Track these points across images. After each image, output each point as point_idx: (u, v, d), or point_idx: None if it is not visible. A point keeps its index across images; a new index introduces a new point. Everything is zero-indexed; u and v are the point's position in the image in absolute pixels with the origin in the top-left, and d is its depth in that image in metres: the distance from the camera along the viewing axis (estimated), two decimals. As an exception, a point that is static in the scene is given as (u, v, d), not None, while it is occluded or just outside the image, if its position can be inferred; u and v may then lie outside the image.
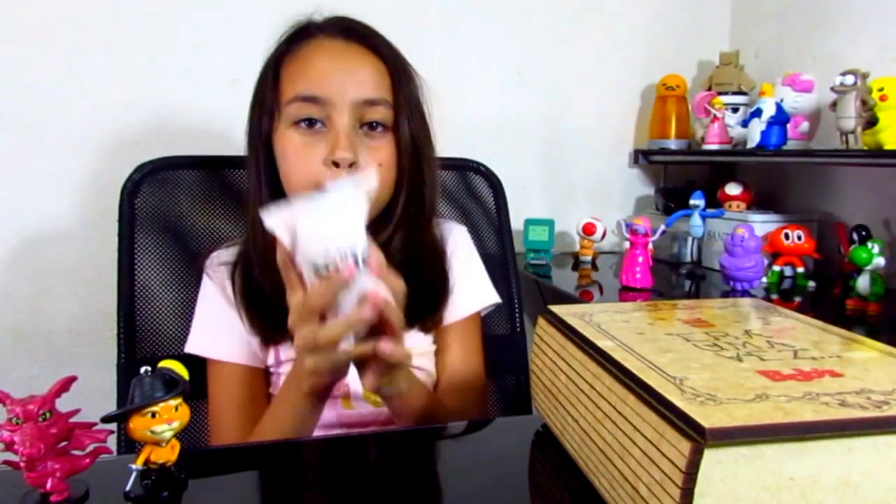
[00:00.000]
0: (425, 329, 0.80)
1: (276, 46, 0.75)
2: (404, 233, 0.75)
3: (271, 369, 0.81)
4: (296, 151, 0.70)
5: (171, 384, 0.46)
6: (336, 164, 0.68)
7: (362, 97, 0.70)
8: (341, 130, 0.68)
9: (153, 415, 0.44)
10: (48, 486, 0.44)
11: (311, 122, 0.70)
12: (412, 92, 0.75)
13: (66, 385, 0.45)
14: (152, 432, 0.45)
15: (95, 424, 0.46)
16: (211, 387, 0.80)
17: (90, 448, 0.46)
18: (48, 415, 0.43)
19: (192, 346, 0.78)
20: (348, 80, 0.70)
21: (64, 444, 0.45)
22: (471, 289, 0.85)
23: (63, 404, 0.45)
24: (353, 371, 0.76)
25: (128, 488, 0.46)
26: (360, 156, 0.69)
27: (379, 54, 0.73)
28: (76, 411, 0.46)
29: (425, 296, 0.76)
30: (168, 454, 0.46)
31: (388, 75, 0.73)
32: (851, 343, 0.49)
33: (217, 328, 0.78)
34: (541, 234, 1.55)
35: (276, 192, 0.73)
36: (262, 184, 0.74)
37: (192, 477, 0.48)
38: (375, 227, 0.73)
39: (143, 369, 0.46)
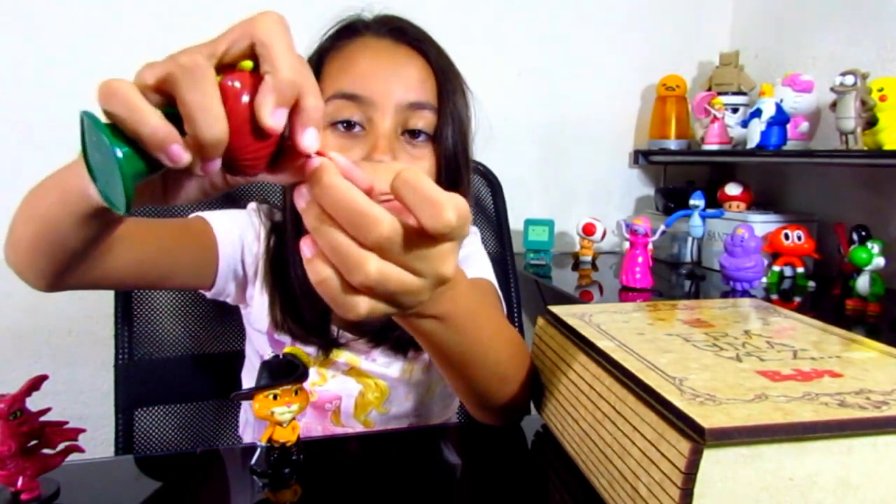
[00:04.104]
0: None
1: (320, 43, 0.71)
2: None
3: (242, 310, 0.78)
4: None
5: (292, 369, 0.48)
6: None
7: (407, 100, 0.65)
8: (382, 133, 0.63)
9: (274, 397, 0.48)
10: (19, 484, 0.44)
11: (349, 125, 0.64)
12: (459, 101, 0.71)
13: (36, 384, 0.45)
14: (272, 413, 0.48)
15: (66, 423, 0.47)
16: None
17: (61, 447, 0.46)
18: (18, 413, 0.44)
19: (204, 214, 0.73)
20: (394, 81, 0.65)
21: (35, 442, 0.45)
22: (468, 262, 0.78)
23: (61, 404, 0.45)
24: (345, 387, 0.75)
25: (253, 462, 0.49)
26: (399, 160, 0.64)
27: (428, 58, 0.69)
28: (47, 410, 0.46)
29: None
30: (289, 435, 0.49)
31: (436, 80, 0.69)
32: (851, 343, 0.49)
33: (234, 223, 0.73)
34: (541, 234, 1.55)
35: None
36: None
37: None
38: None
39: (271, 354, 0.50)
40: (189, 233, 0.70)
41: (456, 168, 0.69)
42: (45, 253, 0.52)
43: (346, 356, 0.75)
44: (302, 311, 0.72)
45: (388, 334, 0.73)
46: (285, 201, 0.73)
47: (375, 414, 0.76)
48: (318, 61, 0.69)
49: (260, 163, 0.34)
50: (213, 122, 0.31)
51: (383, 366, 0.75)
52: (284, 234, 0.73)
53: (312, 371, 0.75)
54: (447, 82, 0.70)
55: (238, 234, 0.73)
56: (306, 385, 0.51)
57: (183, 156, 0.32)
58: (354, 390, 0.75)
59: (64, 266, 0.53)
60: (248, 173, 0.35)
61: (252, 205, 0.78)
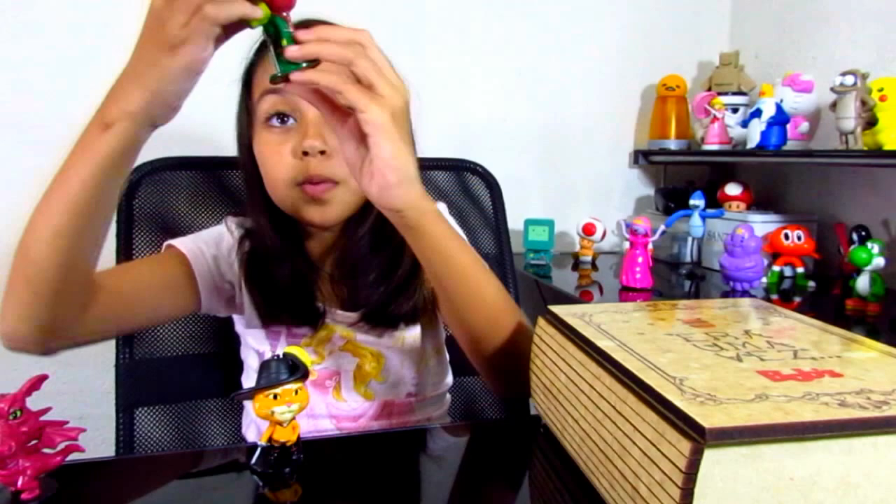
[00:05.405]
0: (413, 319, 0.78)
1: (251, 55, 0.74)
2: (375, 225, 0.74)
3: (236, 319, 0.82)
4: (270, 150, 0.70)
5: (292, 369, 0.49)
6: (306, 154, 0.67)
7: None
8: (310, 120, 0.68)
9: (275, 396, 0.48)
10: (19, 484, 0.44)
11: (282, 119, 0.69)
12: None
13: (36, 383, 0.45)
14: (273, 413, 0.48)
15: (66, 423, 0.47)
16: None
17: (61, 446, 0.46)
18: (18, 413, 0.44)
19: (175, 241, 0.77)
20: None
21: (34, 442, 0.45)
22: None
23: (62, 404, 0.45)
24: (343, 362, 0.77)
25: (253, 461, 0.49)
26: (330, 143, 0.68)
27: None
28: (47, 409, 0.46)
29: (396, 288, 0.75)
30: (289, 434, 0.49)
31: None
32: (851, 343, 0.48)
33: (205, 242, 0.77)
34: (541, 234, 1.55)
35: (265, 194, 0.73)
36: (253, 188, 0.74)
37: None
38: (348, 220, 0.74)
39: (272, 354, 0.50)
40: (163, 267, 0.74)
41: None
42: (43, 281, 0.58)
43: (341, 330, 0.77)
44: (288, 295, 0.75)
45: (375, 308, 0.75)
46: (254, 198, 0.76)
47: (375, 384, 0.79)
48: (249, 70, 0.73)
49: None
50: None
51: (376, 335, 0.78)
52: (259, 237, 0.76)
53: (309, 350, 0.77)
54: None
55: (211, 253, 0.76)
56: None
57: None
58: (352, 364, 0.78)
59: (55, 299, 0.60)
60: None
61: (228, 218, 0.81)
